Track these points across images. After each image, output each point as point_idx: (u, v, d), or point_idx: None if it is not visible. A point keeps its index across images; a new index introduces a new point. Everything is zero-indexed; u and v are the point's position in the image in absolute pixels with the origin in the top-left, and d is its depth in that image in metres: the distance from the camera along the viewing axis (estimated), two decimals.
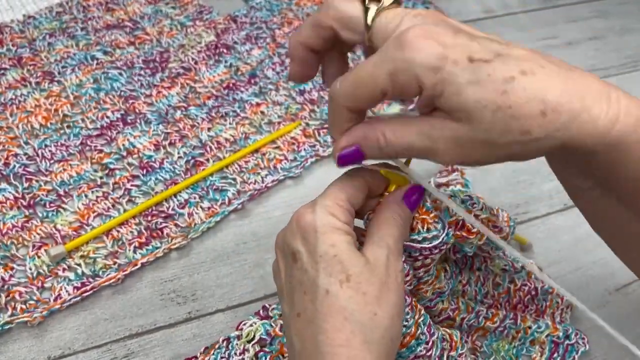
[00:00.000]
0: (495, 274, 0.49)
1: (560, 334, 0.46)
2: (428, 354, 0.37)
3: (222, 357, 0.43)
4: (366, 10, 0.32)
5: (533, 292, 0.48)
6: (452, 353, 0.39)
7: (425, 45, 0.28)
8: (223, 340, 0.44)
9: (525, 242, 0.55)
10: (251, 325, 0.43)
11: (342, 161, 0.33)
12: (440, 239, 0.36)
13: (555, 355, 0.45)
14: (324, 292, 0.31)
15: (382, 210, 0.35)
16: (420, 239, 0.36)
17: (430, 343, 0.37)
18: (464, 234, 0.38)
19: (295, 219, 0.34)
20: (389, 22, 0.31)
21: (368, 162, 0.35)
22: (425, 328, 0.37)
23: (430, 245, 0.36)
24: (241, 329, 0.44)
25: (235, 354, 0.43)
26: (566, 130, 0.28)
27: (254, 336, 0.43)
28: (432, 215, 0.36)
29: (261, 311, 0.46)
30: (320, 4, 0.31)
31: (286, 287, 0.34)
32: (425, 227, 0.36)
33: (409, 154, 0.32)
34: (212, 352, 0.44)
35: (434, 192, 0.35)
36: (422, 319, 0.37)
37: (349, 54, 0.37)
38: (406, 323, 0.36)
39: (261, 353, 0.42)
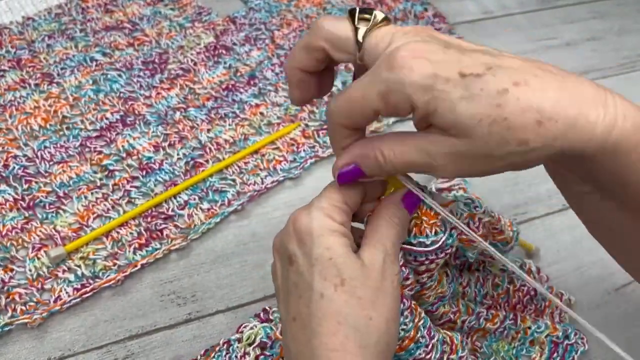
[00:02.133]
0: (495, 275, 0.49)
1: (560, 334, 0.46)
2: (427, 357, 0.37)
3: None
4: (356, 30, 0.32)
5: (532, 292, 0.48)
6: (452, 356, 0.39)
7: (416, 65, 0.28)
8: (224, 343, 0.44)
9: (531, 248, 0.55)
10: (252, 329, 0.43)
11: (341, 179, 0.33)
12: (445, 242, 0.36)
13: (555, 355, 0.46)
14: (318, 295, 0.31)
15: (380, 212, 0.35)
16: (429, 242, 0.36)
17: (430, 346, 0.37)
18: (471, 238, 0.38)
19: (292, 222, 0.34)
20: (379, 42, 0.31)
21: None
22: (425, 331, 0.37)
23: (436, 247, 0.36)
24: (242, 332, 0.44)
25: (236, 357, 0.43)
26: (564, 139, 0.28)
27: (255, 339, 0.43)
28: (439, 217, 0.36)
29: (262, 314, 0.45)
30: (310, 26, 0.31)
31: (282, 290, 0.34)
32: (434, 231, 0.36)
33: (408, 171, 0.33)
34: (212, 354, 0.44)
35: (432, 204, 0.35)
36: (422, 322, 0.37)
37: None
38: (405, 327, 0.36)
39: (262, 357, 0.42)
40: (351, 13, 0.32)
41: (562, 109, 0.28)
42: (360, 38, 0.31)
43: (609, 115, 0.29)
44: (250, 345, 0.43)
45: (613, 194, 0.33)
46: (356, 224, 0.37)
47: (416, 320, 0.36)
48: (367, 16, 0.32)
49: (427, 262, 0.37)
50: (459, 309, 0.43)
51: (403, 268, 0.36)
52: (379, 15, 0.32)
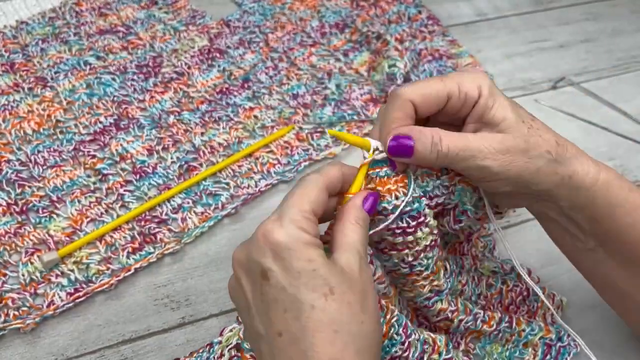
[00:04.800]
0: (488, 276, 0.49)
1: (553, 336, 0.46)
2: (405, 354, 0.37)
3: None
4: None
5: (525, 293, 0.48)
6: (434, 356, 0.39)
7: (483, 73, 0.39)
8: (206, 345, 0.45)
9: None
10: (231, 331, 0.44)
11: (393, 149, 0.37)
12: (410, 205, 0.37)
13: (548, 357, 0.46)
14: (309, 307, 0.31)
15: (345, 217, 0.35)
16: (390, 207, 0.36)
17: (407, 344, 0.37)
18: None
19: (262, 235, 0.33)
20: None
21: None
22: (401, 329, 0.37)
23: (400, 211, 0.36)
24: (223, 335, 0.44)
25: (214, 358, 0.43)
26: (571, 164, 0.38)
27: (232, 341, 0.43)
28: (394, 180, 0.37)
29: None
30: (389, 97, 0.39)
31: (257, 306, 0.34)
32: (394, 195, 0.37)
33: (458, 159, 0.36)
34: (194, 355, 0.45)
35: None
36: (395, 319, 0.37)
37: None
38: None
39: (235, 358, 0.43)
40: None
41: (569, 143, 0.39)
42: None
43: (594, 164, 0.39)
44: (227, 347, 0.43)
45: (608, 241, 0.40)
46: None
47: (388, 317, 0.37)
48: None
49: (399, 232, 0.37)
50: (458, 307, 0.43)
51: (371, 265, 0.37)
52: None
